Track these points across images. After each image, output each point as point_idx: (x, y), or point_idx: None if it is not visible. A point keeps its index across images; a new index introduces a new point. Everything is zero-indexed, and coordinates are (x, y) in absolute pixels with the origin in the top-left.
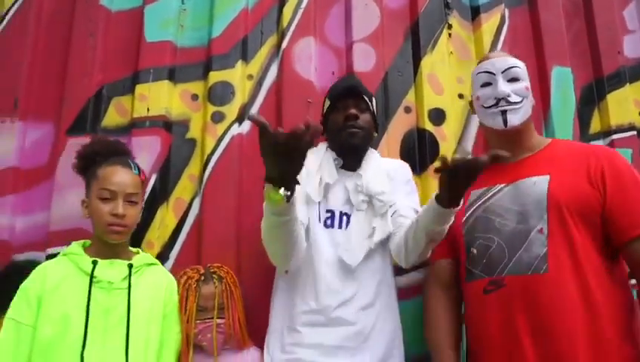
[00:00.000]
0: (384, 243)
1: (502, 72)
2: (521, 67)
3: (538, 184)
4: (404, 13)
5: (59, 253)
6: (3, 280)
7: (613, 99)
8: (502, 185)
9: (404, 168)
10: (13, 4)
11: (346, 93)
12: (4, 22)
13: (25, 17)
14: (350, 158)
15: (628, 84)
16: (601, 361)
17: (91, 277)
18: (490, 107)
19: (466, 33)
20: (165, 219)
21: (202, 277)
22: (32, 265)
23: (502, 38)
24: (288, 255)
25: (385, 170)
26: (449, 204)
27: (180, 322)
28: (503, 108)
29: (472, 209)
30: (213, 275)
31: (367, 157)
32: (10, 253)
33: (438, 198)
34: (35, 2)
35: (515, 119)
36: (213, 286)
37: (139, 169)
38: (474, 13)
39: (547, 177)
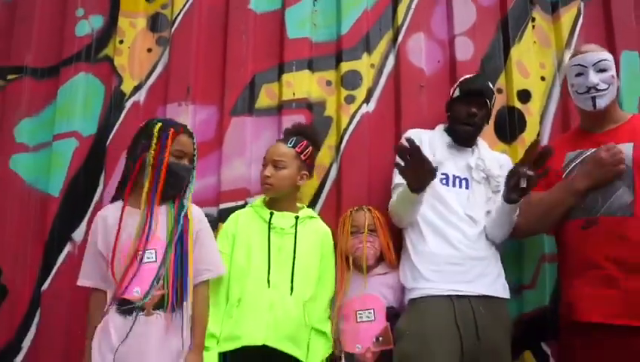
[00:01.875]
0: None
1: (592, 65)
2: (608, 59)
3: (624, 150)
4: (495, 10)
5: (231, 207)
6: None
7: None
8: (594, 149)
9: (510, 163)
10: (180, 11)
11: (475, 93)
12: (175, 25)
13: (190, 20)
14: (464, 142)
15: None
16: None
17: (269, 224)
18: (582, 93)
19: (547, 25)
20: (311, 181)
21: (355, 208)
22: (207, 217)
23: (578, 28)
24: (411, 220)
25: (497, 159)
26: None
27: (338, 244)
28: (592, 95)
29: (570, 167)
30: (364, 208)
31: (479, 141)
32: None
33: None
34: (197, 8)
35: (602, 103)
36: (363, 213)
37: (296, 143)
38: (554, 8)
39: (631, 145)
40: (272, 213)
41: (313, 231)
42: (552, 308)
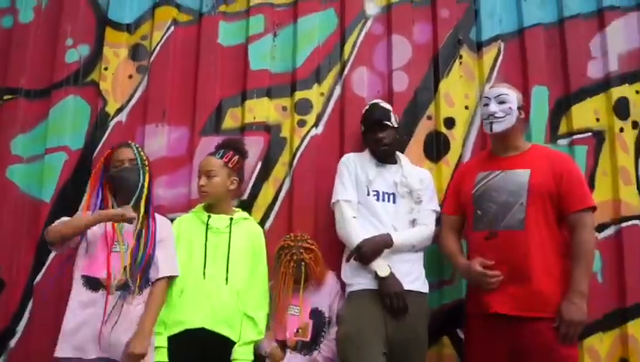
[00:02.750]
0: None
1: (494, 97)
2: (509, 94)
3: (523, 175)
4: (428, 48)
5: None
6: None
7: (577, 109)
8: (498, 171)
9: (430, 177)
10: (158, 43)
11: (374, 122)
12: (153, 55)
13: (166, 51)
14: (385, 160)
15: (588, 98)
16: (551, 279)
17: (207, 225)
18: (485, 119)
19: (472, 61)
20: (267, 191)
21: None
22: None
23: (498, 64)
24: None
25: (418, 175)
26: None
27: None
28: (491, 120)
29: (479, 185)
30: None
31: (401, 158)
32: (164, 213)
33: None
34: (172, 41)
35: (497, 128)
36: (300, 271)
37: (222, 155)
38: (478, 47)
39: (529, 171)
40: (209, 216)
41: (246, 231)
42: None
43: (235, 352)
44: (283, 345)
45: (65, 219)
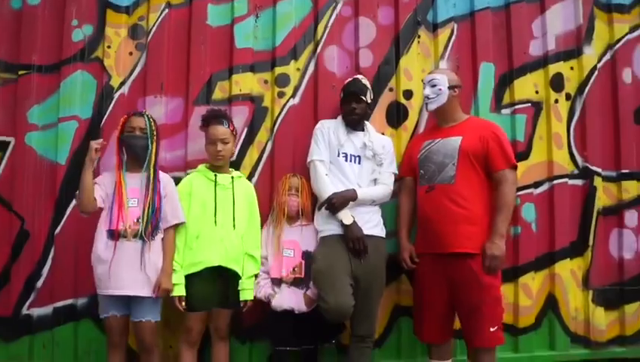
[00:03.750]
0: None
1: (428, 82)
2: (439, 78)
3: (455, 141)
4: (391, 28)
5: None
6: None
7: (519, 83)
8: (438, 140)
9: (391, 144)
10: (154, 24)
11: (352, 94)
12: (150, 34)
13: (162, 31)
14: (354, 127)
15: (529, 73)
16: (476, 222)
17: (215, 182)
18: (424, 101)
19: (429, 40)
20: (252, 153)
21: (291, 174)
22: (175, 180)
23: (451, 43)
24: None
25: (381, 141)
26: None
27: (277, 198)
28: (426, 102)
29: (423, 150)
30: (297, 175)
31: (368, 126)
32: (164, 172)
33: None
34: (167, 22)
35: (431, 107)
36: (296, 179)
37: (229, 124)
38: (434, 28)
39: (460, 137)
40: (215, 175)
41: (243, 186)
42: None
43: (243, 283)
44: (278, 282)
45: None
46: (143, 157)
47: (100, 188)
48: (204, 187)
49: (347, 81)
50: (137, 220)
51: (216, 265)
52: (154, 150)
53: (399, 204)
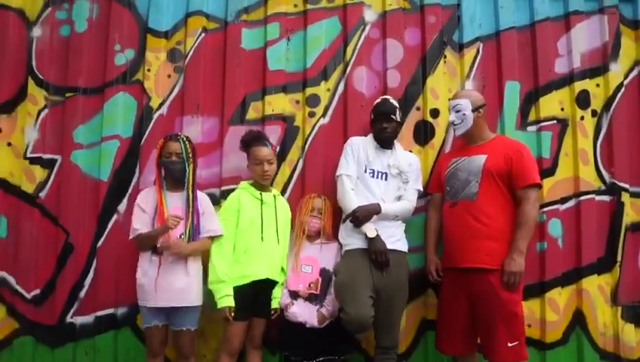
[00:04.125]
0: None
1: (452, 108)
2: (462, 103)
3: (480, 159)
4: (418, 49)
5: (228, 189)
6: None
7: (544, 100)
8: (465, 158)
9: (418, 162)
10: (191, 48)
11: (382, 114)
12: (188, 58)
13: (199, 54)
14: (385, 146)
15: (554, 90)
16: (497, 238)
17: (261, 200)
18: (452, 126)
19: (455, 60)
20: (284, 170)
21: (315, 195)
22: (210, 196)
23: (477, 63)
24: None
25: (407, 159)
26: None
27: (298, 217)
28: (453, 128)
29: (450, 168)
30: (321, 196)
31: (396, 145)
32: (200, 189)
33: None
34: (203, 45)
35: (458, 132)
36: (320, 200)
37: (271, 145)
38: (460, 48)
39: (485, 156)
40: (261, 193)
41: (282, 204)
42: None
43: (275, 291)
44: (295, 295)
45: (141, 232)
46: (181, 179)
47: (143, 215)
48: (251, 204)
49: (377, 101)
50: (180, 236)
51: (264, 278)
52: (191, 172)
53: (427, 219)
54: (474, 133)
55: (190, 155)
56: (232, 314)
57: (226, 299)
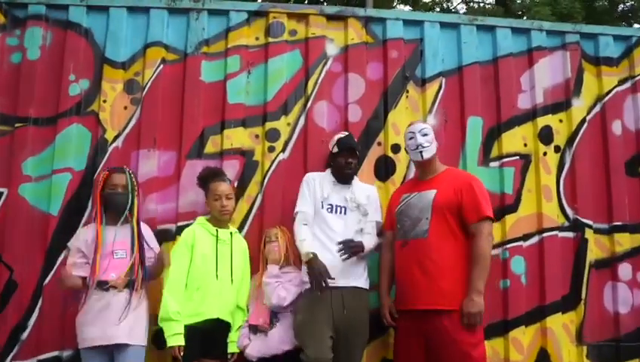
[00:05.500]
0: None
1: (418, 131)
2: (429, 128)
3: (430, 194)
4: (380, 84)
5: (185, 225)
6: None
7: (507, 136)
8: (415, 193)
9: (375, 193)
10: (149, 79)
11: (348, 149)
12: (145, 89)
13: (156, 86)
14: (344, 181)
15: (517, 126)
16: (450, 278)
17: (217, 236)
18: (413, 150)
19: (417, 94)
20: (242, 207)
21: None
22: (166, 232)
23: (439, 97)
24: None
25: (365, 191)
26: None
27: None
28: (420, 150)
29: (401, 204)
30: (277, 226)
31: (354, 180)
32: (156, 225)
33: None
34: (161, 77)
35: (427, 155)
36: (275, 228)
37: (229, 180)
38: (423, 82)
39: (435, 191)
40: (217, 230)
41: (239, 242)
42: None
43: (232, 336)
44: (255, 329)
45: (66, 274)
46: (123, 212)
47: (79, 258)
48: (206, 240)
49: (340, 136)
50: (128, 271)
51: (215, 317)
52: (136, 205)
53: (380, 259)
54: (432, 163)
55: (136, 187)
56: (182, 353)
57: (175, 338)
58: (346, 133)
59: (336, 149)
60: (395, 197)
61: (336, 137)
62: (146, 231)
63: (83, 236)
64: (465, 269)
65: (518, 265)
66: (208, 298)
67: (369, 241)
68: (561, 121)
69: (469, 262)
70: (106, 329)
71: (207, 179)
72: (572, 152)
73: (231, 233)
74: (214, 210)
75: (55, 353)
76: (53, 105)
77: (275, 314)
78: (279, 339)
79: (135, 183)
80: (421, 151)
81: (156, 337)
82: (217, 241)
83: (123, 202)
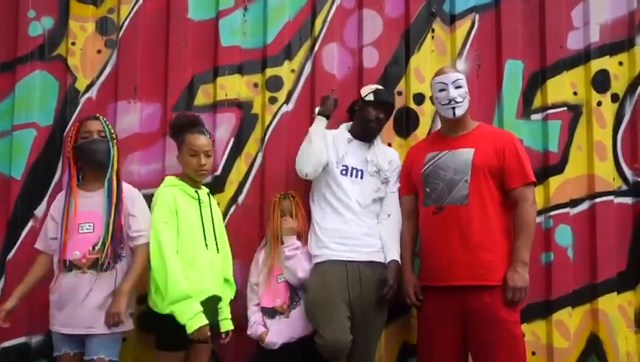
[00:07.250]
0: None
1: (452, 82)
2: (462, 78)
3: (467, 153)
4: (400, 22)
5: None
6: None
7: (552, 83)
8: (446, 151)
9: (398, 159)
10: (126, 17)
11: (385, 103)
12: (122, 30)
13: (135, 26)
14: (364, 138)
15: (565, 71)
16: (494, 249)
17: (198, 199)
18: (445, 105)
19: (445, 35)
20: (239, 167)
21: (282, 195)
22: (149, 198)
23: (471, 38)
24: (313, 162)
25: (387, 155)
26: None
27: (270, 224)
28: (452, 106)
29: (427, 165)
30: (289, 195)
31: (377, 140)
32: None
33: None
34: (141, 15)
35: (459, 112)
36: (289, 201)
37: (210, 134)
38: (452, 20)
39: (473, 150)
40: (196, 191)
41: (215, 204)
42: None
43: (224, 312)
44: (271, 311)
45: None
46: (106, 166)
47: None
48: (189, 205)
49: (376, 87)
50: (94, 247)
51: (213, 294)
52: (116, 156)
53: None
54: (464, 119)
55: (115, 136)
56: (208, 333)
57: (198, 318)
58: (381, 88)
59: (370, 97)
60: (417, 157)
61: (373, 86)
62: (137, 205)
63: (59, 203)
64: (507, 240)
65: (563, 236)
66: (204, 272)
67: (399, 222)
68: (620, 63)
69: (510, 232)
70: (71, 316)
71: (183, 128)
72: (634, 102)
73: (208, 194)
74: (189, 168)
75: (23, 339)
76: (9, 48)
77: (295, 292)
78: (305, 319)
79: (113, 132)
80: (454, 107)
81: (142, 320)
82: (201, 205)
83: (102, 149)
